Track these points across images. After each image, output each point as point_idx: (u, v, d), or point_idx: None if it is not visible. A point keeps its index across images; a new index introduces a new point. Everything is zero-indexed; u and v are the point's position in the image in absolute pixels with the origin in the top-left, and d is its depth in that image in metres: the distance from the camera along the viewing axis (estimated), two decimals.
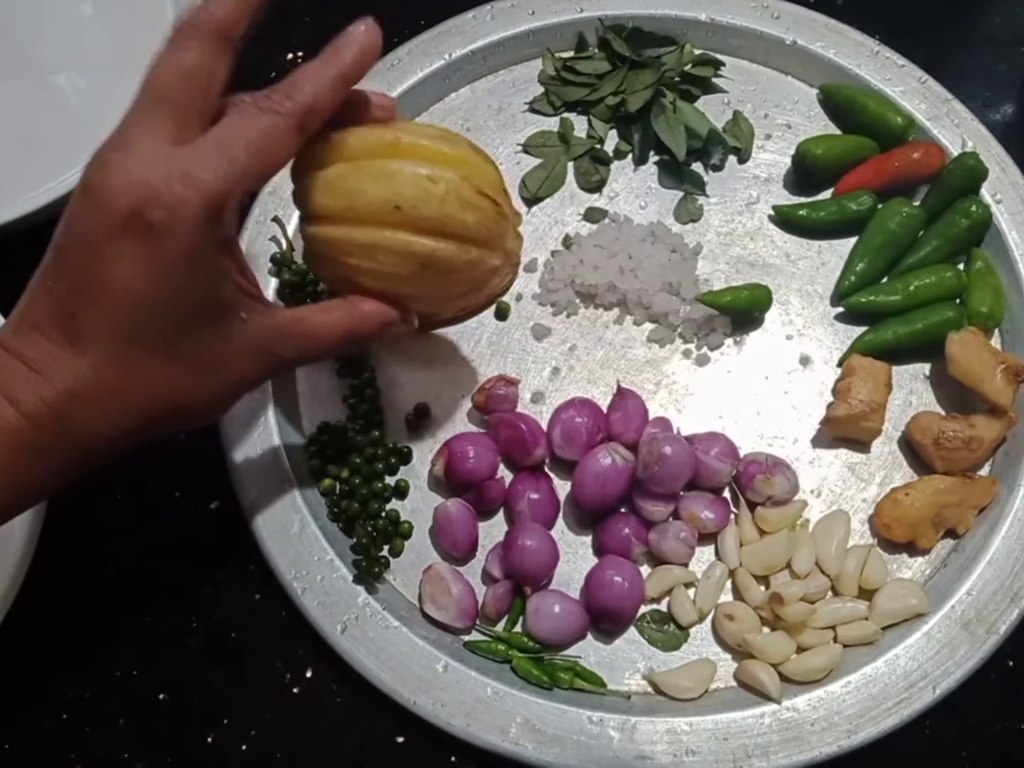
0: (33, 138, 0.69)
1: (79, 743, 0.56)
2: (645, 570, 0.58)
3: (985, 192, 0.66)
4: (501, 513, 0.60)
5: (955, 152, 0.67)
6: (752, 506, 0.59)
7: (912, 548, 0.59)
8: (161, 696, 0.56)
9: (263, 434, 0.60)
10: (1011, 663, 0.57)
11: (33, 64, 0.71)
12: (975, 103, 0.71)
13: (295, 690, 0.57)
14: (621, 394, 0.61)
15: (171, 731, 0.56)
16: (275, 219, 0.65)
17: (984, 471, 0.61)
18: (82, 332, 0.42)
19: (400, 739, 0.55)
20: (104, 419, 0.43)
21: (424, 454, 0.62)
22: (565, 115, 0.71)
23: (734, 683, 0.56)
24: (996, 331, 0.64)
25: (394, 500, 0.61)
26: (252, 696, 0.56)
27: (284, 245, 0.65)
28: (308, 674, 0.57)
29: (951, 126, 0.68)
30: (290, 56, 0.73)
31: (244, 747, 0.55)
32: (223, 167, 0.42)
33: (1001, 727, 0.56)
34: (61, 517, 0.54)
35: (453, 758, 0.55)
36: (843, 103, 0.70)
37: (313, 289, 0.64)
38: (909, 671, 0.55)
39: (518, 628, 0.57)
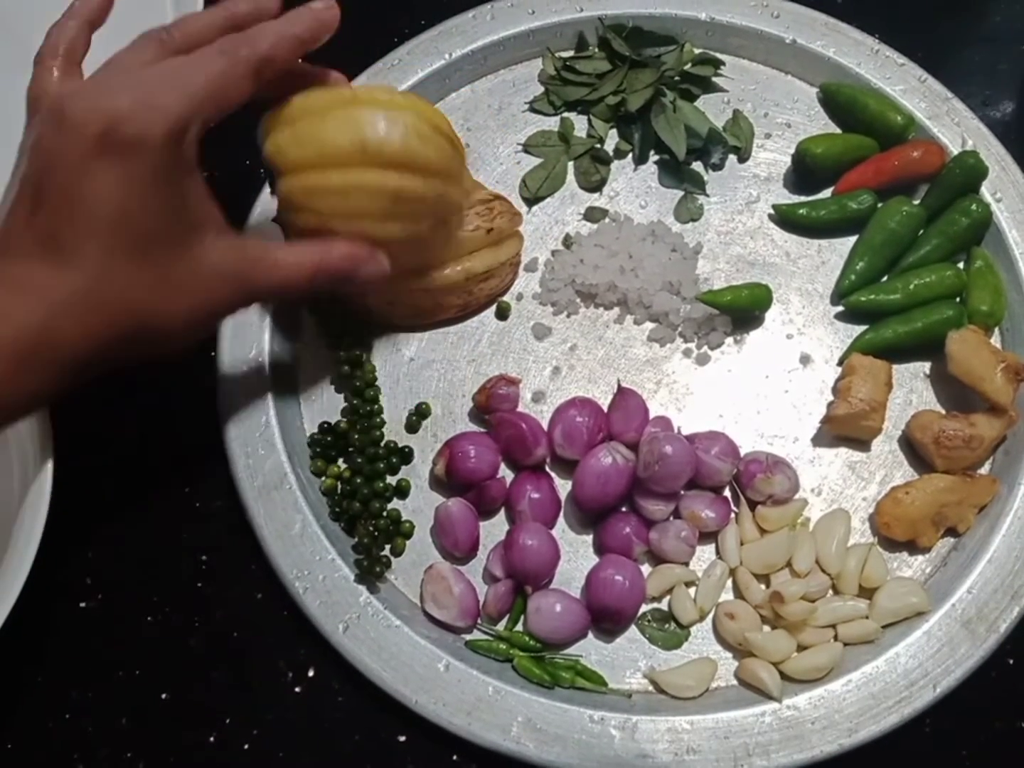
0: None
1: (81, 743, 0.55)
2: (646, 569, 0.58)
3: (985, 191, 0.66)
4: (502, 512, 0.60)
5: (955, 151, 0.67)
6: (753, 505, 0.59)
7: (912, 547, 0.59)
8: (163, 696, 0.56)
9: (264, 434, 0.60)
10: (1011, 661, 0.57)
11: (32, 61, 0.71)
12: (975, 101, 0.71)
13: (297, 689, 0.57)
14: (622, 393, 0.61)
15: (173, 731, 0.56)
16: (275, 220, 0.65)
17: (984, 470, 0.61)
18: (64, 248, 0.45)
19: (402, 738, 0.55)
20: (85, 331, 0.46)
21: (425, 454, 0.62)
22: (565, 115, 0.71)
23: (735, 682, 0.56)
24: (996, 330, 0.64)
25: (395, 500, 0.61)
26: (254, 696, 0.56)
27: None
28: (310, 674, 0.57)
29: (951, 125, 0.68)
30: None
31: (246, 746, 0.55)
32: (183, 97, 0.47)
33: (1001, 726, 0.56)
34: (62, 517, 0.53)
35: (455, 757, 0.55)
36: (843, 102, 0.70)
37: None
38: (910, 669, 0.55)
39: (519, 627, 0.57)
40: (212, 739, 0.56)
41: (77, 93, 0.47)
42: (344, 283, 0.55)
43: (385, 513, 0.59)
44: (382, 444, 0.61)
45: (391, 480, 0.61)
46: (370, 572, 0.57)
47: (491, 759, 0.54)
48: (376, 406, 0.62)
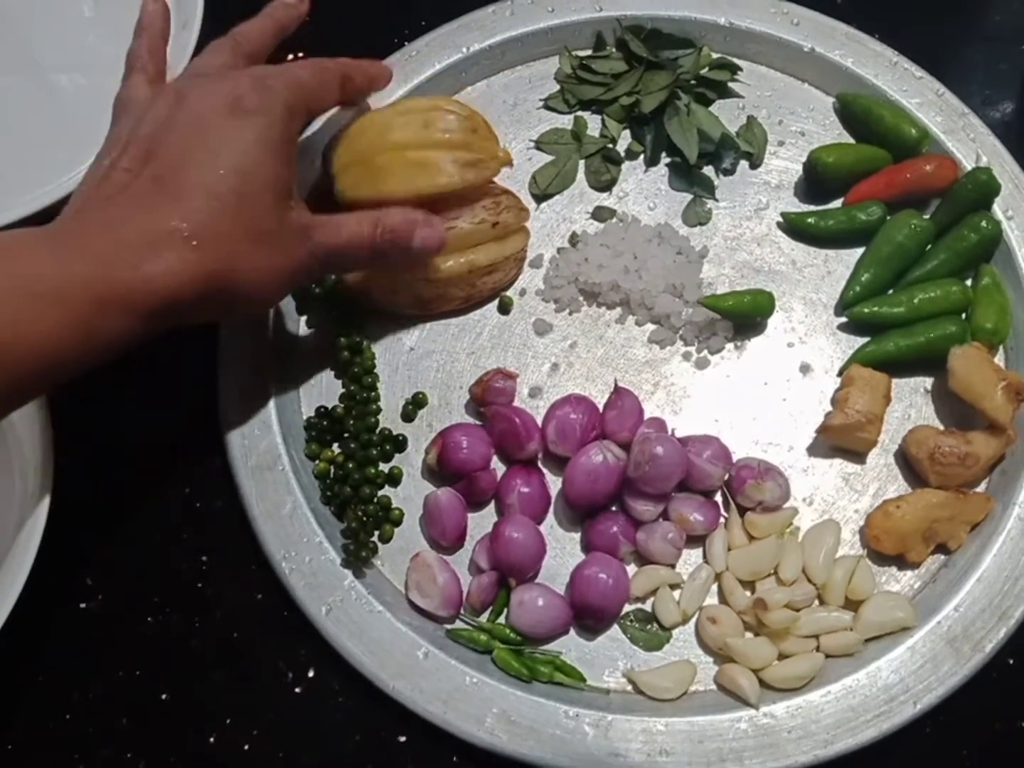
0: (34, 139, 0.68)
1: (82, 743, 0.55)
2: (631, 569, 0.58)
3: (997, 208, 0.66)
4: (492, 505, 0.61)
5: (969, 166, 0.67)
6: (742, 511, 0.59)
7: (902, 561, 0.58)
8: (164, 696, 0.56)
9: (261, 415, 0.61)
10: (1011, 661, 0.56)
11: (34, 64, 0.71)
12: (974, 101, 0.70)
13: (297, 690, 0.56)
14: (618, 393, 0.61)
15: (174, 731, 0.56)
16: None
17: (981, 489, 0.60)
18: (173, 190, 0.50)
19: (402, 739, 0.55)
20: (176, 275, 0.49)
21: (419, 443, 0.62)
22: (579, 113, 0.71)
23: (713, 686, 0.56)
24: (1001, 348, 0.64)
25: (387, 487, 0.61)
26: (254, 696, 0.56)
27: None
28: (310, 674, 0.57)
29: (966, 140, 0.68)
30: (291, 57, 0.72)
31: (246, 747, 0.55)
32: (291, 86, 0.55)
33: (1001, 726, 0.56)
34: (63, 517, 0.54)
35: (455, 758, 0.55)
36: (859, 112, 0.70)
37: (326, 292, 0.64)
38: (890, 684, 0.54)
39: (501, 620, 0.57)
40: (212, 739, 0.55)
41: (192, 81, 0.55)
42: (403, 251, 0.58)
43: (376, 499, 0.60)
44: (377, 431, 0.62)
45: (384, 467, 0.61)
46: (357, 557, 0.57)
47: (493, 761, 0.53)
48: (373, 393, 0.63)
